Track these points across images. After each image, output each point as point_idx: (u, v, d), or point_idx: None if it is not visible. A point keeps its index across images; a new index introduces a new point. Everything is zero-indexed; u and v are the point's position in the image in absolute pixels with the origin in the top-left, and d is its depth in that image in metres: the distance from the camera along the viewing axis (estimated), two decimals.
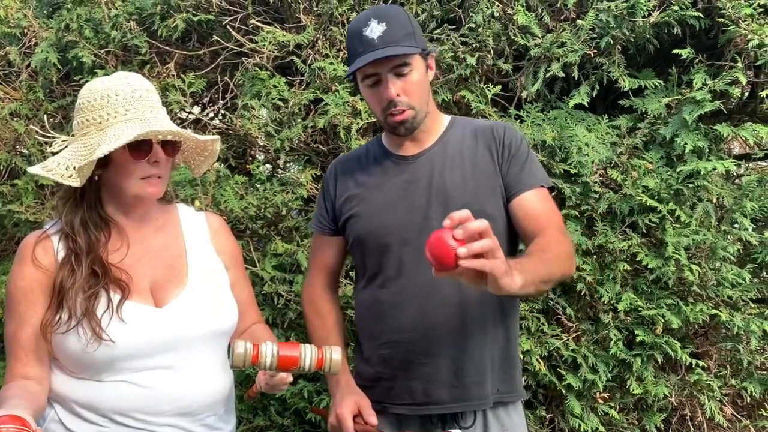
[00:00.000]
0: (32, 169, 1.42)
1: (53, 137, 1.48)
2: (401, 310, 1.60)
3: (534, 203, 1.57)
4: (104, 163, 1.40)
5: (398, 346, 1.61)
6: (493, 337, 1.60)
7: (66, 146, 1.46)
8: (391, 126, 1.61)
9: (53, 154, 1.46)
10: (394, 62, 1.53)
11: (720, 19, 2.47)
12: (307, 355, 1.33)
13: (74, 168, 1.38)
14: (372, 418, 1.55)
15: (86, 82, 1.57)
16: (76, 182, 1.38)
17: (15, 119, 3.04)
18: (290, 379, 1.43)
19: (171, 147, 1.45)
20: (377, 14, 1.55)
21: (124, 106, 1.40)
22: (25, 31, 3.14)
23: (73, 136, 1.46)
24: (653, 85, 2.58)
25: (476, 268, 1.12)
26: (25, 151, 3.07)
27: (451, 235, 1.13)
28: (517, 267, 1.23)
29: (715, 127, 2.49)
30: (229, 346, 1.35)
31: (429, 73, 1.64)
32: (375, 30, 1.52)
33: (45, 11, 3.36)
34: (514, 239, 1.64)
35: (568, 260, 1.48)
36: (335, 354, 1.35)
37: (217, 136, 1.54)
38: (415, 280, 1.58)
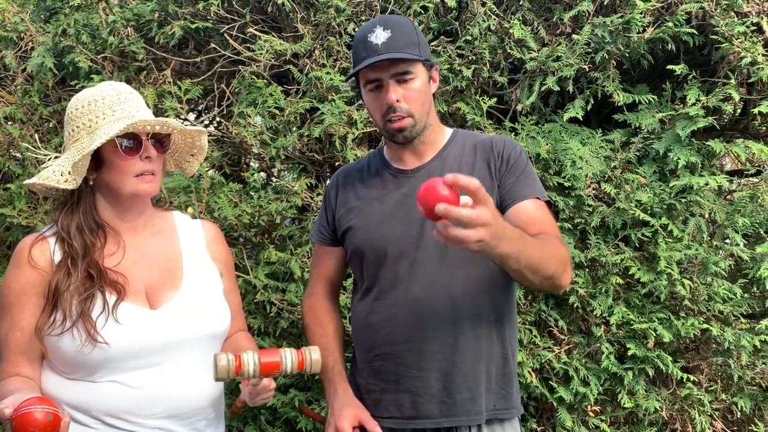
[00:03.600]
0: (28, 182, 1.45)
1: (45, 154, 1.51)
2: (394, 323, 1.60)
3: (530, 211, 1.56)
4: (97, 165, 1.42)
5: (390, 358, 1.61)
6: (488, 352, 1.59)
7: (59, 158, 1.48)
8: (390, 133, 1.61)
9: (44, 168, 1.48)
10: (396, 68, 1.55)
11: (714, 36, 2.50)
12: (288, 358, 1.37)
13: (68, 172, 1.40)
14: (377, 429, 1.56)
15: (82, 87, 1.59)
16: (72, 185, 1.40)
17: (9, 123, 3.03)
18: (273, 385, 1.45)
19: (160, 144, 1.48)
20: (383, 22, 1.57)
21: (111, 107, 1.44)
22: (22, 35, 3.13)
23: (63, 150, 1.49)
24: (647, 100, 2.60)
25: (455, 238, 1.10)
26: (18, 155, 3.06)
27: (442, 184, 1.10)
28: (506, 233, 1.20)
29: (707, 143, 2.51)
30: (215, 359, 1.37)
31: (432, 85, 1.65)
32: (380, 36, 1.54)
33: (42, 16, 3.36)
34: None
35: (562, 264, 1.46)
36: (314, 354, 1.39)
37: (204, 129, 1.58)
38: (409, 293, 1.58)
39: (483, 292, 1.58)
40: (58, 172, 1.42)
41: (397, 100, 1.55)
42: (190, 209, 2.66)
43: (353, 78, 1.63)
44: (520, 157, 1.63)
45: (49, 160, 1.50)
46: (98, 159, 1.41)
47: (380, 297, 1.63)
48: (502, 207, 1.58)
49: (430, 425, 1.58)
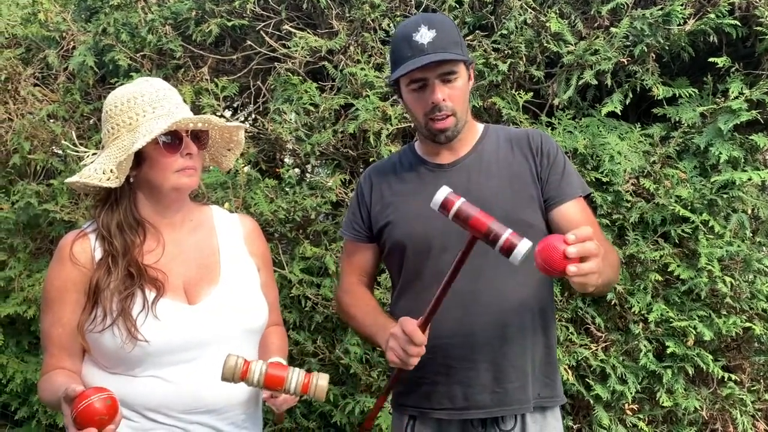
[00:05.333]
0: (69, 180, 1.46)
1: (85, 151, 1.53)
2: (441, 316, 1.58)
3: (576, 214, 1.59)
4: (138, 162, 1.44)
5: (438, 350, 1.60)
6: (533, 342, 1.62)
7: (98, 156, 1.50)
8: (432, 132, 1.62)
9: (84, 166, 1.50)
10: (443, 68, 1.55)
11: (758, 28, 2.43)
12: (294, 377, 1.37)
13: (111, 170, 1.41)
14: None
15: (122, 84, 1.61)
16: (115, 182, 1.42)
17: (52, 120, 3.11)
18: (289, 401, 1.45)
19: (198, 140, 1.49)
20: (427, 21, 1.57)
21: (151, 105, 1.45)
22: (64, 34, 3.21)
23: (102, 147, 1.50)
24: (688, 94, 2.55)
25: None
26: (60, 152, 3.14)
27: (563, 245, 1.22)
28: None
29: (751, 137, 2.45)
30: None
31: (469, 83, 1.66)
32: (425, 36, 1.54)
33: (83, 15, 3.43)
34: None
35: (617, 270, 1.54)
36: (321, 380, 1.38)
37: (241, 124, 1.59)
38: (455, 286, 1.58)
39: (526, 284, 1.60)
40: (100, 170, 1.43)
41: (443, 99, 1.57)
42: (227, 205, 2.70)
43: (389, 75, 1.64)
44: (559, 152, 1.66)
45: (87, 157, 1.52)
46: (139, 156, 1.43)
47: (424, 291, 1.61)
48: (547, 204, 1.61)
49: (482, 415, 1.60)
